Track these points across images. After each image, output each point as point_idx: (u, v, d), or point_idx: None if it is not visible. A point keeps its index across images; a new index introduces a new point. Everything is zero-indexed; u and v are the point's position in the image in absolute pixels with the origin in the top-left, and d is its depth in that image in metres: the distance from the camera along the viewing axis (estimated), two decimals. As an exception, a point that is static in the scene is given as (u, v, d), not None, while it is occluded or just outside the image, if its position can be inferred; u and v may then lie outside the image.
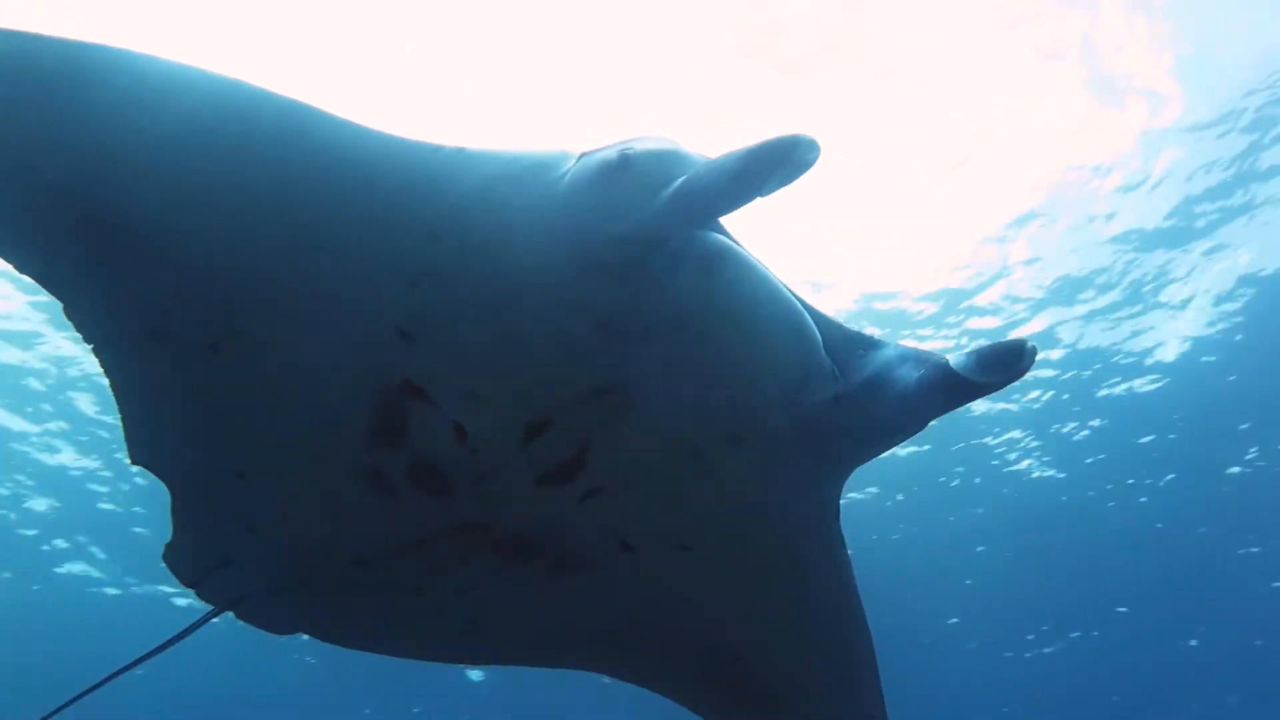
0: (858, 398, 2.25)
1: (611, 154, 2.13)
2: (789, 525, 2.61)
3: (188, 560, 3.00)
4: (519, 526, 2.61)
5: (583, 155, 2.22)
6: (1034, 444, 15.70)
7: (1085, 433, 15.57)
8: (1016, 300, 12.76)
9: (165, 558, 3.00)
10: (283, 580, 2.94)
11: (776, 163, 1.93)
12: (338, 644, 3.25)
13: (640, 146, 2.14)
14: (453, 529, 2.63)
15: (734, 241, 2.22)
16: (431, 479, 2.50)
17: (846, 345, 2.36)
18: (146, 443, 2.77)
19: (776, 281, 2.24)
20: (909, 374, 2.18)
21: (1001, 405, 14.59)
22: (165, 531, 2.94)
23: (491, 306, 2.25)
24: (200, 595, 3.07)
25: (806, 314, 2.28)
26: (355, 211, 2.24)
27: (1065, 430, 15.51)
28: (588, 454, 2.39)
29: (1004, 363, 2.02)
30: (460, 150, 2.22)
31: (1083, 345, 13.70)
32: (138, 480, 15.06)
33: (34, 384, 13.05)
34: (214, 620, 3.14)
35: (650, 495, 2.49)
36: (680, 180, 2.06)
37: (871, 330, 2.56)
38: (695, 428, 2.34)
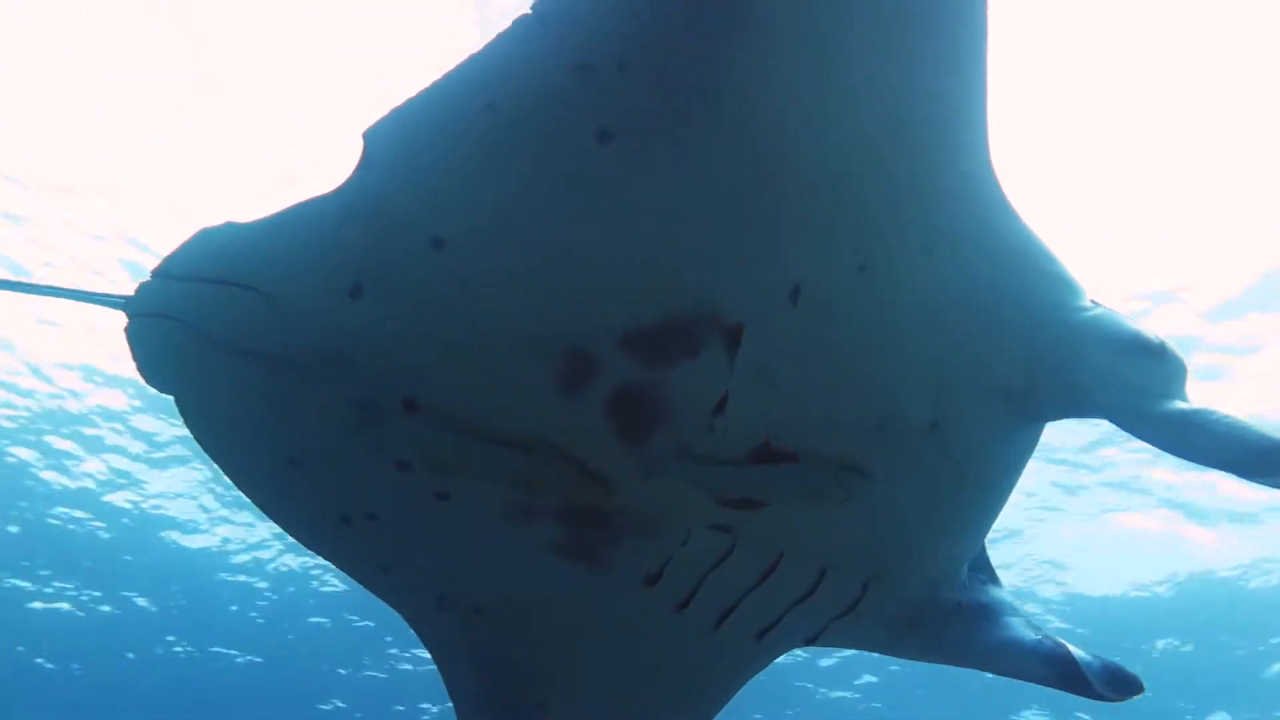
0: (971, 617, 2.51)
1: (1151, 336, 2.24)
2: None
3: (235, 249, 2.18)
4: (629, 507, 2.24)
5: (1095, 303, 2.33)
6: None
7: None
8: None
9: (201, 232, 2.23)
10: (294, 355, 2.18)
11: None
12: (207, 447, 2.42)
13: (1171, 345, 2.25)
14: (573, 460, 2.16)
15: None
16: (638, 415, 2.09)
17: (975, 562, 2.59)
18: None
19: None
20: (1022, 632, 2.43)
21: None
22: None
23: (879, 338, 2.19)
24: (143, 286, 2.29)
25: None
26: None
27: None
28: (771, 505, 2.27)
29: (1123, 687, 2.26)
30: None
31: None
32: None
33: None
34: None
35: (752, 576, 2.39)
36: (1194, 410, 2.13)
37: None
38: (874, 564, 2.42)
